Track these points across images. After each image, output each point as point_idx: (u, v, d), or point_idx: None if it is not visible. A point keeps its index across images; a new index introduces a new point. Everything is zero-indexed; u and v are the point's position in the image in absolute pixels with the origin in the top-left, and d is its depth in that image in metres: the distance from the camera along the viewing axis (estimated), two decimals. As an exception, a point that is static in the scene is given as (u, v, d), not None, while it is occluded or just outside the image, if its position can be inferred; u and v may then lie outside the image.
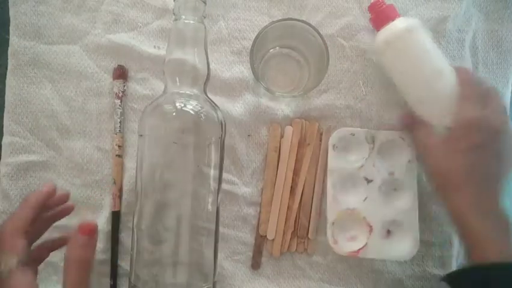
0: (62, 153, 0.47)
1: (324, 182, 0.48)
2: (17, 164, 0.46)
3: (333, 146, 0.46)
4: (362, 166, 0.46)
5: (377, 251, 0.45)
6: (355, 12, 0.48)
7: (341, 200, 0.46)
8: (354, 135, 0.46)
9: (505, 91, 0.49)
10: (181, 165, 0.40)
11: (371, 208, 0.46)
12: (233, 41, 0.48)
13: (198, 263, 0.41)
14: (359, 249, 0.45)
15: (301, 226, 0.47)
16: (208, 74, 0.41)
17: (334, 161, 0.46)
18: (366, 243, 0.45)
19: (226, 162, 0.45)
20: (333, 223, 0.46)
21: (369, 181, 0.46)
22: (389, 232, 0.46)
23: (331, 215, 0.46)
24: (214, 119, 0.41)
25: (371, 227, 0.45)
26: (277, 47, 0.48)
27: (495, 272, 0.34)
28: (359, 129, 0.47)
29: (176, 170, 0.41)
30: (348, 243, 0.46)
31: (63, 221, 0.46)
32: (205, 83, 0.42)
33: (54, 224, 0.46)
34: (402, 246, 0.45)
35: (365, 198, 0.46)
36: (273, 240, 0.47)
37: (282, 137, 0.47)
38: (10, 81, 0.46)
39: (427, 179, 0.46)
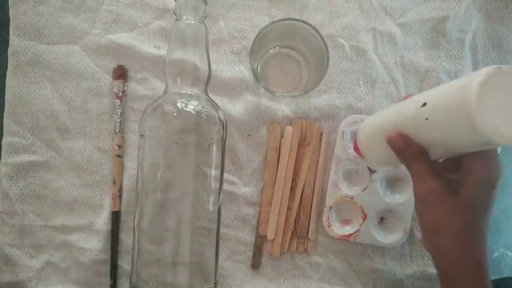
0: (62, 153, 0.47)
1: (324, 181, 0.48)
2: (17, 164, 0.46)
3: (343, 132, 0.47)
4: None
5: (367, 237, 0.47)
6: (355, 12, 0.49)
7: (341, 187, 0.47)
8: None
9: (505, 91, 0.49)
10: (182, 165, 0.40)
11: (369, 198, 0.47)
12: (233, 41, 0.48)
13: (199, 263, 0.41)
14: (351, 234, 0.47)
15: (301, 226, 0.47)
16: (209, 74, 0.42)
17: (340, 149, 0.47)
18: (358, 230, 0.47)
19: (226, 162, 0.45)
20: (330, 207, 0.47)
21: (372, 172, 0.47)
22: (382, 219, 0.48)
23: (329, 199, 0.47)
24: (215, 119, 0.41)
25: (365, 214, 0.47)
26: (277, 47, 0.48)
27: None
28: None
29: (177, 170, 0.41)
30: (341, 228, 0.47)
31: (62, 221, 0.47)
32: (206, 83, 0.42)
33: (53, 224, 0.47)
34: (392, 235, 0.47)
35: (365, 188, 0.47)
36: (273, 240, 0.47)
37: (282, 137, 0.47)
38: (10, 81, 0.46)
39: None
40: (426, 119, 0.32)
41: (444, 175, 0.34)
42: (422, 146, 0.34)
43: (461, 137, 0.30)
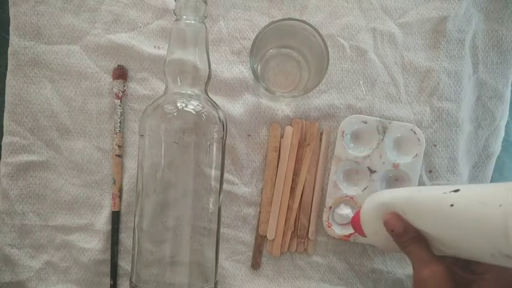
0: (62, 153, 0.47)
1: (324, 181, 0.48)
2: (17, 164, 0.46)
3: (343, 132, 0.47)
4: (367, 156, 0.46)
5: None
6: (355, 12, 0.49)
7: (341, 187, 0.47)
8: (366, 123, 0.47)
9: (505, 91, 0.49)
10: (182, 166, 0.40)
11: None
12: (233, 41, 0.48)
13: (199, 263, 0.41)
14: (351, 234, 0.46)
15: (301, 226, 0.47)
16: (210, 74, 0.42)
17: (340, 149, 0.47)
18: None
19: (226, 162, 0.45)
20: (330, 207, 0.47)
21: (372, 172, 0.46)
22: None
23: (329, 200, 0.47)
24: (215, 119, 0.41)
25: None
26: (277, 47, 0.48)
27: None
28: (372, 117, 0.47)
29: (177, 170, 0.41)
30: (341, 228, 0.47)
31: (62, 221, 0.47)
32: (206, 83, 0.42)
33: (53, 224, 0.47)
34: None
35: (365, 188, 0.47)
36: (273, 240, 0.47)
37: (282, 137, 0.47)
38: (10, 81, 0.46)
39: None
40: (452, 205, 0.28)
41: (451, 267, 0.32)
42: (419, 230, 0.31)
43: (483, 239, 0.26)
